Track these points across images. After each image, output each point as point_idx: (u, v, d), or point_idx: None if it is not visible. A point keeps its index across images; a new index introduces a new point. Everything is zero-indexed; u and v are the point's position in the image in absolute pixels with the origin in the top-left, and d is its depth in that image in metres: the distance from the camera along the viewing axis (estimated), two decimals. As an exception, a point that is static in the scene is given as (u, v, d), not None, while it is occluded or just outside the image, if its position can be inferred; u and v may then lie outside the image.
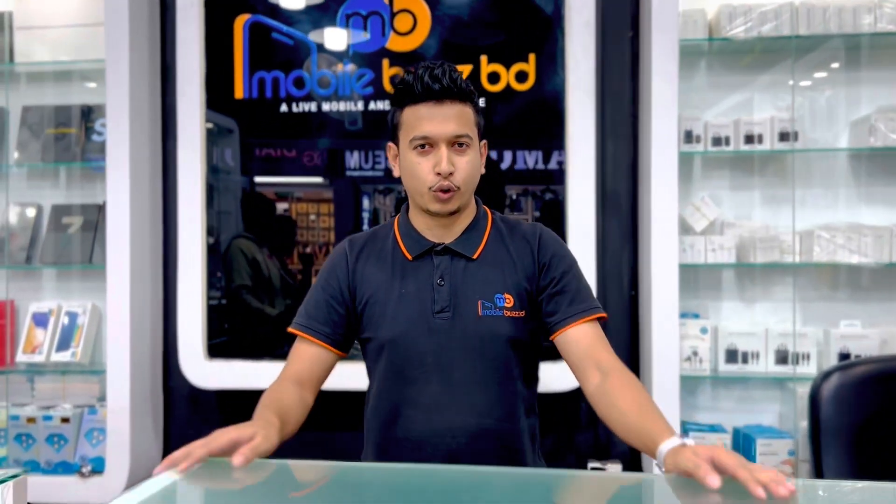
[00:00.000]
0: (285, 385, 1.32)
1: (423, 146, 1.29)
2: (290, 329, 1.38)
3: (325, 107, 2.35)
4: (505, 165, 2.32)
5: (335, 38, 2.36)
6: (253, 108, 2.39)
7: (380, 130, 2.35)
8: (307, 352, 1.36)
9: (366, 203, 2.40)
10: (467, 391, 1.31)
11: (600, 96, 2.34)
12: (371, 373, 1.42)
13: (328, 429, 2.46)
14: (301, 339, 1.38)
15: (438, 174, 1.28)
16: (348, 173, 2.39)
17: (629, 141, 2.40)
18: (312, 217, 2.44)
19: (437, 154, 1.28)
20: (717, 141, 2.28)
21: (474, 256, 1.36)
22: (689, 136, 2.27)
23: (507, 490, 1.04)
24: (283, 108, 2.37)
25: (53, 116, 2.53)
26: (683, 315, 2.25)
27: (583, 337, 1.29)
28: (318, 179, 2.43)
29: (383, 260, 1.39)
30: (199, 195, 2.38)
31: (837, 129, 2.30)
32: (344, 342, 1.39)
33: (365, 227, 2.41)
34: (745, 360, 2.26)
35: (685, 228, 2.29)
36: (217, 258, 2.44)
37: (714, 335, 2.29)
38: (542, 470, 1.33)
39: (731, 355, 2.27)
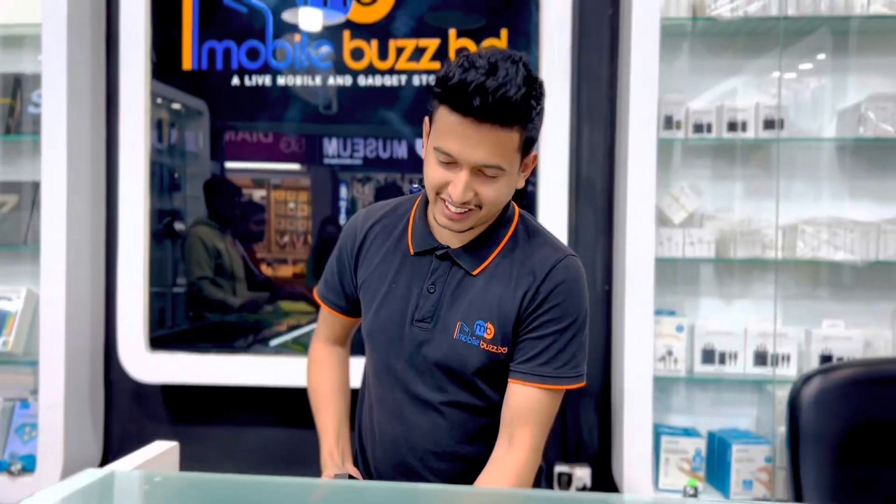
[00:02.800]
0: (326, 350, 1.41)
1: (446, 162, 1.10)
2: (314, 294, 1.39)
3: (281, 81, 2.18)
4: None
5: (292, 6, 2.18)
6: (201, 81, 2.21)
7: (355, 113, 2.19)
8: (331, 318, 1.38)
9: (343, 192, 2.25)
10: (430, 409, 1.23)
11: (576, 77, 2.19)
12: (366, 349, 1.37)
13: (246, 424, 2.31)
14: (322, 307, 1.38)
15: (448, 197, 1.12)
16: (326, 161, 2.22)
17: (606, 125, 2.25)
18: (291, 205, 2.28)
19: (458, 174, 1.09)
20: (698, 128, 2.14)
21: (474, 273, 1.21)
22: (668, 122, 2.13)
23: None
24: (235, 80, 2.20)
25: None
26: (658, 312, 2.12)
27: (520, 400, 1.18)
28: (292, 166, 2.27)
29: (390, 244, 1.27)
30: (143, 174, 2.20)
31: (824, 118, 2.17)
32: (357, 310, 1.35)
33: (342, 217, 2.24)
34: (722, 361, 2.14)
35: (663, 220, 2.15)
36: (178, 244, 2.27)
37: (690, 334, 2.16)
38: (520, 492, 1.19)
39: (708, 355, 2.15)
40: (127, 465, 1.12)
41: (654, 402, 2.04)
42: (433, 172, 1.12)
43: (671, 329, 2.15)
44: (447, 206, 1.12)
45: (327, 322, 1.39)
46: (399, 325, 1.22)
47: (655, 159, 2.03)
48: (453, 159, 1.08)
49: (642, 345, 2.03)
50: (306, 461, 1.98)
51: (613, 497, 1.62)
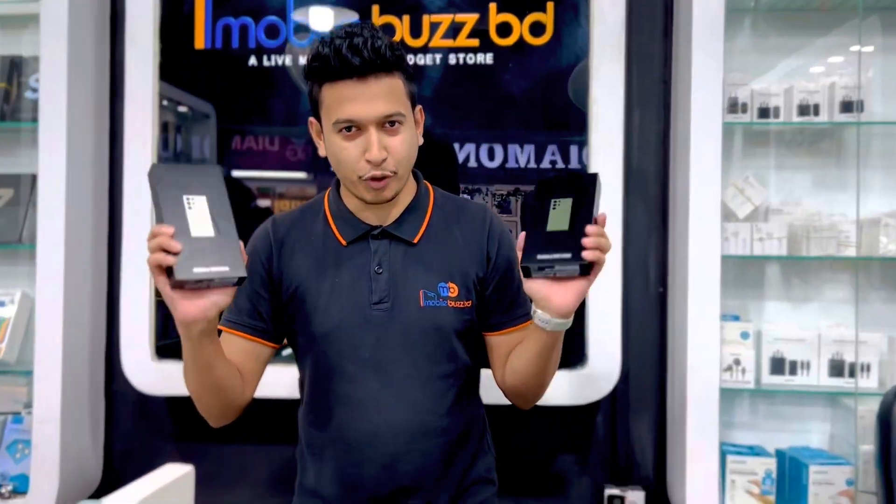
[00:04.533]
0: None
1: (349, 129, 1.16)
2: (219, 326, 1.21)
3: (303, 60, 1.98)
4: (514, 132, 1.96)
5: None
6: (216, 61, 2.01)
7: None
8: (237, 346, 1.25)
9: None
10: (407, 386, 1.24)
11: (627, 56, 1.98)
12: (302, 369, 1.32)
13: (261, 441, 2.10)
14: (228, 334, 1.26)
15: (369, 161, 1.16)
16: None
17: (659, 110, 2.04)
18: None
19: (367, 138, 1.16)
20: (763, 111, 1.93)
21: (415, 241, 1.26)
22: (732, 106, 1.92)
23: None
24: (252, 60, 1.99)
25: (-24, 69, 2.13)
26: (721, 317, 1.90)
27: (512, 341, 1.28)
28: (297, 175, 2.06)
29: (313, 245, 1.28)
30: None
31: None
32: (276, 333, 1.30)
33: None
34: (793, 371, 1.92)
35: (725, 214, 1.93)
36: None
37: (757, 340, 1.94)
38: None
39: (777, 365, 1.92)
40: (131, 497, 0.90)
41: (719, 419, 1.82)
42: (343, 152, 1.17)
43: (735, 335, 1.93)
44: (369, 181, 1.17)
45: (228, 354, 1.22)
46: (357, 313, 1.23)
47: (720, 147, 1.82)
48: (356, 123, 1.15)
49: (708, 353, 1.81)
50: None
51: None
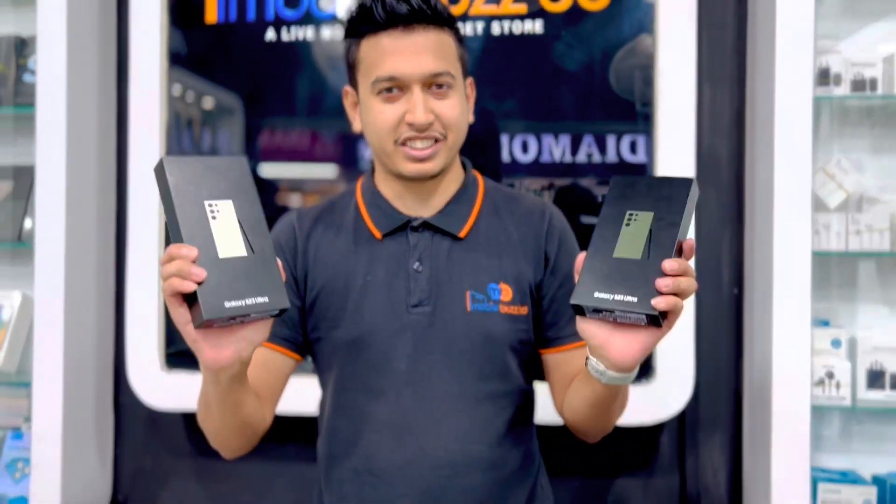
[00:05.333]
0: None
1: (389, 90, 1.01)
2: None
3: (326, 33, 1.75)
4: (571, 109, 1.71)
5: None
6: (229, 36, 1.80)
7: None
8: (257, 358, 1.06)
9: None
10: (450, 408, 1.05)
11: (697, 25, 1.73)
12: (324, 384, 1.14)
13: (285, 459, 1.89)
14: None
15: (411, 125, 1.01)
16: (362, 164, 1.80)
17: (734, 85, 1.78)
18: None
19: (409, 100, 1.01)
20: (858, 84, 1.66)
21: (462, 234, 1.09)
22: (822, 77, 1.66)
23: None
24: (270, 34, 1.77)
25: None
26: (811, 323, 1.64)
27: (573, 361, 1.10)
28: (328, 170, 1.84)
29: (343, 238, 1.11)
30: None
31: None
32: (301, 343, 1.13)
33: None
34: (894, 385, 1.65)
35: (813, 204, 1.67)
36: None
37: (851, 350, 1.68)
38: None
39: (875, 378, 1.66)
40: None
41: (810, 440, 1.56)
42: (381, 116, 1.02)
43: (825, 343, 1.67)
44: (411, 148, 1.02)
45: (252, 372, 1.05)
46: (393, 317, 1.06)
47: (811, 125, 1.56)
48: (398, 83, 1.01)
49: (797, 365, 1.55)
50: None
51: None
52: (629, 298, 0.82)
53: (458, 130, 1.05)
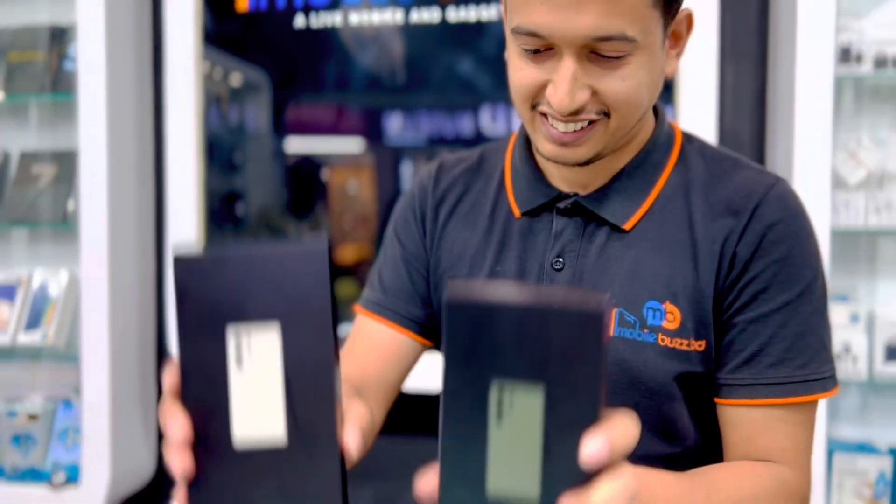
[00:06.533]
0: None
1: (534, 49, 0.69)
2: (356, 307, 0.88)
3: (354, 18, 1.81)
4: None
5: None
6: (260, 24, 1.86)
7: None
8: (377, 340, 0.86)
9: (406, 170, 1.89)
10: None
11: (720, 4, 1.74)
12: None
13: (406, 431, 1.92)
14: (367, 319, 0.87)
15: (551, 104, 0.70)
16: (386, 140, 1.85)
17: (755, 64, 1.80)
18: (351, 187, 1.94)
19: (559, 66, 0.67)
20: (881, 61, 1.67)
21: (626, 226, 0.77)
22: (844, 54, 1.67)
23: None
24: (300, 21, 1.83)
25: (13, 38, 2.03)
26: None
27: (746, 424, 0.73)
28: (353, 145, 1.90)
29: (482, 208, 0.84)
30: (194, 137, 1.87)
31: None
32: (429, 324, 0.88)
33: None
34: (912, 359, 1.68)
35: (833, 182, 1.69)
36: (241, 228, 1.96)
37: (869, 325, 1.71)
38: None
39: (893, 352, 1.69)
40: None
41: (827, 411, 1.61)
42: (518, 73, 0.71)
43: (844, 319, 1.70)
44: (551, 125, 0.71)
45: (361, 350, 0.85)
46: None
47: (832, 103, 1.58)
48: (545, 42, 0.67)
49: (815, 340, 1.60)
50: (391, 472, 1.63)
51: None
52: None
53: (631, 109, 0.71)
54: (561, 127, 0.70)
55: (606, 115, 0.70)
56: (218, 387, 0.48)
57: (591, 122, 0.70)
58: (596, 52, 0.67)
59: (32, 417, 1.95)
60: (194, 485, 0.48)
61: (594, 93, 0.68)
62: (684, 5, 0.72)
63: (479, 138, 1.80)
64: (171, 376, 0.50)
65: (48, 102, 2.07)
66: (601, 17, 0.64)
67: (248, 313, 0.48)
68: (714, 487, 0.68)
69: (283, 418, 0.48)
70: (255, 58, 1.90)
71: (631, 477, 0.46)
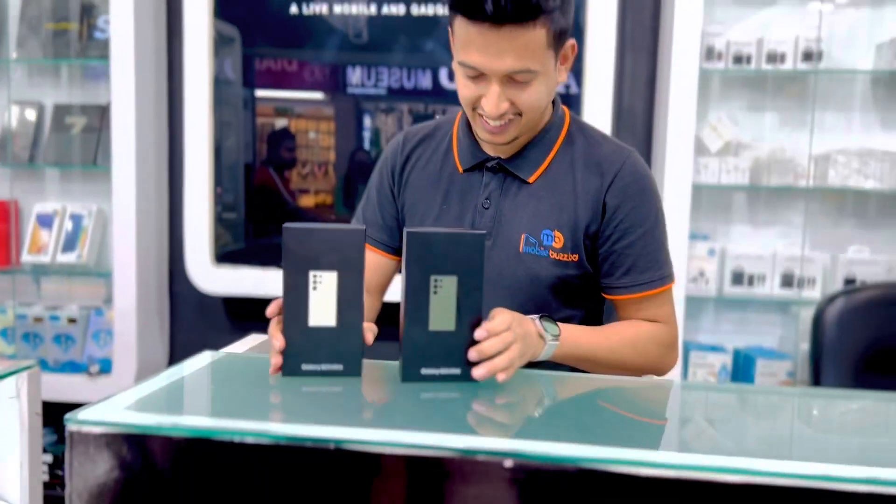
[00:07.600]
0: None
1: (474, 76, 1.05)
2: None
3: (338, 9, 2.28)
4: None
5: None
6: (260, 9, 2.32)
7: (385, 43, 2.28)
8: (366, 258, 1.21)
9: (367, 122, 2.36)
10: None
11: (621, 5, 2.26)
12: None
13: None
14: None
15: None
16: (349, 90, 2.34)
17: (648, 55, 2.34)
18: (312, 135, 2.41)
19: (489, 87, 1.04)
20: (738, 59, 2.22)
21: (530, 180, 1.15)
22: (710, 53, 2.21)
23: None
24: (293, 9, 2.30)
25: (52, 11, 2.44)
26: (692, 237, 2.25)
27: (631, 308, 1.16)
28: (317, 95, 2.38)
29: (433, 165, 1.22)
30: (207, 96, 2.32)
31: (861, 50, 2.24)
32: (399, 246, 1.27)
33: (366, 147, 2.38)
34: (750, 283, 2.27)
35: (700, 149, 2.25)
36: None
37: (721, 257, 2.29)
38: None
39: (738, 277, 2.28)
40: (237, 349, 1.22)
41: (684, 321, 2.19)
42: (463, 89, 1.08)
43: (703, 252, 2.28)
44: (485, 121, 1.08)
45: None
46: None
47: (696, 90, 2.12)
48: (480, 72, 1.03)
49: (676, 266, 2.16)
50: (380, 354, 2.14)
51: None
52: (453, 371, 0.88)
53: (535, 111, 1.08)
54: (491, 123, 1.08)
55: (519, 115, 1.08)
56: (303, 298, 0.87)
57: (509, 120, 1.08)
58: (512, 79, 1.04)
59: (72, 321, 2.43)
60: (289, 346, 0.87)
61: (511, 103, 1.06)
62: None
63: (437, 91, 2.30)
64: (274, 306, 0.91)
65: (78, 66, 2.49)
66: (515, 60, 1.01)
67: (320, 264, 0.87)
68: (611, 332, 1.13)
69: (335, 314, 0.88)
70: (226, 14, 2.34)
71: (508, 313, 0.92)
